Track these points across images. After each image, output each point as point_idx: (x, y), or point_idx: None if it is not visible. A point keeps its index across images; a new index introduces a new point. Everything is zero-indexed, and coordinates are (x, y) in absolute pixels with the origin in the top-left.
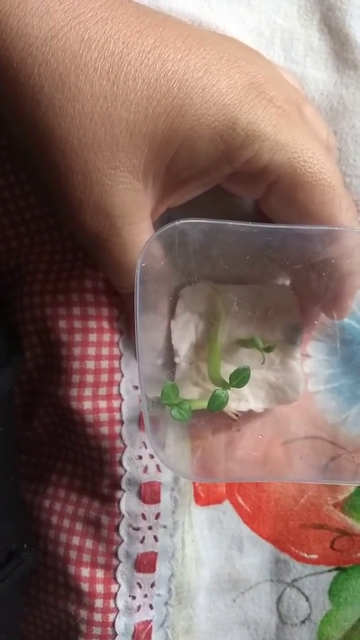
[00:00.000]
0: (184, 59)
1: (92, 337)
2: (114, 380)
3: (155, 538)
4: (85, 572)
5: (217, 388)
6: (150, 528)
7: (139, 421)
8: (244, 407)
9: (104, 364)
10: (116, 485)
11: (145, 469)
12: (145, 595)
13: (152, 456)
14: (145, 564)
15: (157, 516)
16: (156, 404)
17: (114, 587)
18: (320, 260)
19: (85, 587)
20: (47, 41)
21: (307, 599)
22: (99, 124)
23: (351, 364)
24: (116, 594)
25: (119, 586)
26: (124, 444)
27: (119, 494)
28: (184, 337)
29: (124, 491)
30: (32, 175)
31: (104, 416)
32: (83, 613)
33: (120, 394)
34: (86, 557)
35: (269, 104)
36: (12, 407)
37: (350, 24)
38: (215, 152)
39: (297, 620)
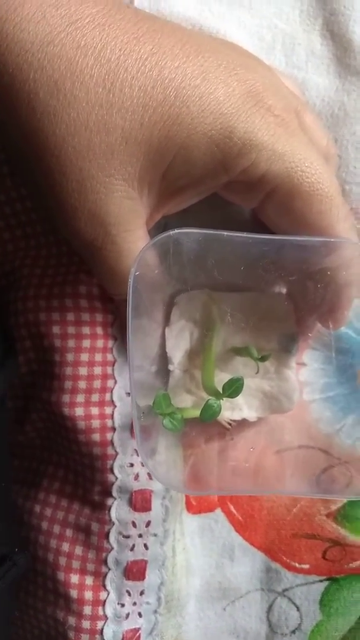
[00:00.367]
0: (182, 66)
1: (86, 343)
2: (107, 387)
3: (146, 546)
4: (74, 578)
5: (211, 397)
6: (140, 536)
7: (131, 428)
8: (237, 415)
9: (97, 370)
10: (107, 492)
11: (137, 477)
12: (134, 603)
13: (143, 464)
14: (134, 571)
15: (148, 524)
16: (148, 412)
17: (102, 595)
18: (317, 270)
19: (74, 593)
20: (43, 47)
21: (297, 608)
22: (94, 132)
23: (347, 374)
24: (105, 601)
25: (108, 593)
26: (116, 451)
27: (109, 501)
28: (179, 345)
29: (115, 499)
30: (28, 179)
31: (95, 423)
32: (71, 620)
33: (112, 401)
34: (76, 564)
35: (266, 113)
36: (5, 411)
37: (353, 29)
38: (211, 160)
39: (287, 630)
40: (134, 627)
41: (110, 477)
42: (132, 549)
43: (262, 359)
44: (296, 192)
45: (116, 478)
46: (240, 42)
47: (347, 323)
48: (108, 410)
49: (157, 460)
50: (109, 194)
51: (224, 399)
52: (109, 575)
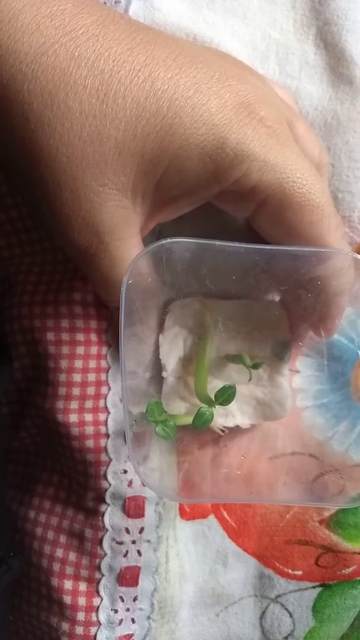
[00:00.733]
0: (174, 77)
1: (80, 350)
2: (101, 393)
3: (139, 552)
4: (68, 584)
5: (203, 405)
6: (133, 542)
7: (125, 435)
8: (230, 422)
9: (91, 376)
10: (100, 498)
11: (130, 483)
12: (128, 609)
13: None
14: (128, 578)
15: (141, 530)
16: (141, 419)
17: (96, 601)
18: (308, 279)
19: (67, 599)
20: (37, 58)
21: (290, 615)
22: (88, 142)
23: (339, 381)
24: (98, 607)
25: (101, 599)
26: (109, 457)
27: (103, 507)
28: (172, 352)
29: (108, 505)
30: (23, 188)
31: (89, 429)
32: (65, 626)
33: (106, 407)
34: (69, 570)
35: (258, 124)
36: None
37: (346, 38)
38: (204, 171)
39: (280, 636)
40: (127, 633)
41: (104, 484)
42: (125, 555)
43: (255, 366)
44: (287, 202)
45: (110, 484)
46: (234, 51)
47: (340, 330)
48: (102, 416)
49: (150, 467)
50: (102, 203)
51: (217, 406)
52: (103, 581)
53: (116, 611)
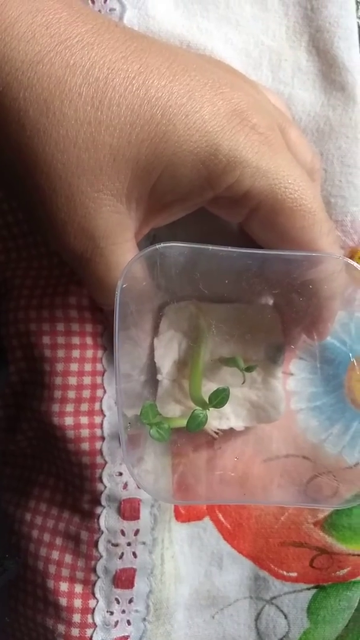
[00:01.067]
0: (168, 85)
1: (75, 353)
2: (96, 397)
3: (134, 554)
4: (63, 586)
5: (197, 407)
6: (129, 544)
7: (120, 437)
8: (225, 425)
9: (87, 380)
10: (96, 501)
11: (125, 486)
12: (123, 611)
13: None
14: (123, 580)
15: (136, 533)
16: (136, 422)
17: (92, 603)
18: (300, 283)
19: (63, 601)
20: (32, 66)
21: (285, 616)
22: (83, 149)
23: (333, 384)
24: (94, 609)
25: (97, 601)
26: (105, 460)
27: (98, 509)
28: (167, 355)
29: (104, 507)
30: (19, 193)
31: (85, 432)
32: (61, 628)
33: (102, 410)
34: (65, 572)
35: (251, 131)
36: None
37: (338, 45)
38: (197, 177)
39: (275, 638)
40: (122, 635)
41: (99, 486)
42: (120, 557)
43: (248, 369)
44: (279, 208)
45: (105, 487)
46: (227, 58)
47: (332, 333)
48: (97, 419)
49: (144, 469)
50: (97, 208)
51: (211, 408)
52: (98, 583)
53: (112, 613)
